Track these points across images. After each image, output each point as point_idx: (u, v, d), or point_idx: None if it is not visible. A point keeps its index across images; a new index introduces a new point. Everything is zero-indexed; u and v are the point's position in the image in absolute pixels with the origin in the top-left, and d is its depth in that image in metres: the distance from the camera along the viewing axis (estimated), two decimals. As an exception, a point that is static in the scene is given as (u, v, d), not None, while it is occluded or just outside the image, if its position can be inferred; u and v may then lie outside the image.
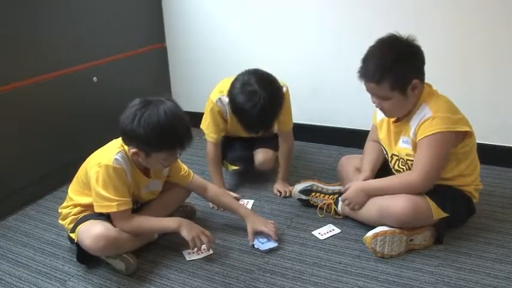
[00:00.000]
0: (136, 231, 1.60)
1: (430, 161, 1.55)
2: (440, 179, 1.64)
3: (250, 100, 1.75)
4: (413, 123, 1.60)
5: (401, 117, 1.67)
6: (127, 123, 1.48)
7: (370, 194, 1.69)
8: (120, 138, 1.62)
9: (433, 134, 1.53)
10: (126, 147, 1.58)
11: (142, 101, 1.51)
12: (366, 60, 1.59)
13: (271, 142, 2.16)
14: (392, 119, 1.71)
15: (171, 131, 1.49)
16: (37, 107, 2.09)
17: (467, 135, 1.59)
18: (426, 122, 1.55)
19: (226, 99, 1.97)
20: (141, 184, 1.65)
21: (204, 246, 1.67)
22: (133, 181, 1.61)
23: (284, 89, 2.01)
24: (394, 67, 1.52)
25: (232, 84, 1.84)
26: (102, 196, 1.52)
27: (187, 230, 1.59)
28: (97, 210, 1.55)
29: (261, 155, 2.15)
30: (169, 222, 1.62)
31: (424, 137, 1.54)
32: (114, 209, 1.52)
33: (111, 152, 1.55)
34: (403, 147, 1.67)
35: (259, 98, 1.74)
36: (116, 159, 1.52)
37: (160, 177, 1.74)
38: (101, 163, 1.52)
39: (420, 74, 1.58)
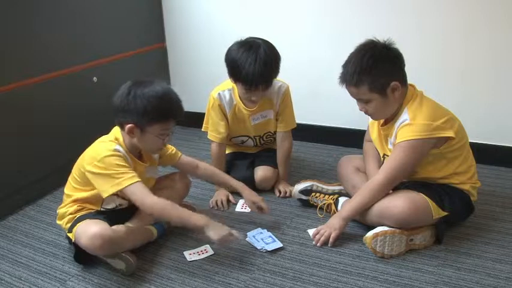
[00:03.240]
0: (163, 213, 1.56)
1: (397, 164, 1.59)
2: (435, 178, 1.66)
3: (250, 49, 1.80)
4: (396, 127, 1.63)
5: (388, 120, 1.69)
6: (122, 99, 1.54)
7: (345, 217, 1.68)
8: (108, 135, 1.63)
9: (407, 140, 1.55)
10: (120, 140, 1.60)
11: (134, 81, 1.57)
12: (345, 65, 1.63)
13: (272, 159, 2.14)
14: (381, 122, 1.73)
15: (166, 100, 1.55)
16: (37, 107, 2.09)
17: (450, 137, 1.59)
18: (404, 127, 1.58)
19: (226, 94, 2.00)
20: (140, 172, 1.65)
21: (204, 248, 1.69)
22: (134, 170, 1.61)
23: (285, 87, 2.02)
24: (371, 69, 1.56)
25: (230, 47, 1.88)
26: (110, 175, 1.51)
27: (214, 231, 1.55)
28: (110, 191, 1.52)
29: (260, 172, 2.09)
30: (197, 218, 1.57)
31: (400, 141, 1.57)
32: (128, 182, 1.50)
33: (107, 145, 1.57)
34: (391, 148, 1.69)
35: (258, 46, 1.80)
36: (115, 149, 1.55)
37: (154, 163, 1.75)
38: (98, 158, 1.52)
39: (399, 77, 1.60)
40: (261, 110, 2.03)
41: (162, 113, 1.55)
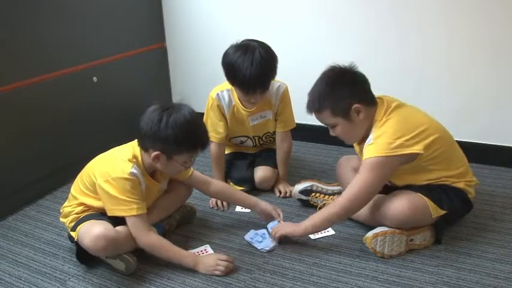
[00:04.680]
0: (152, 250, 1.58)
1: (358, 185, 1.56)
2: (426, 180, 1.64)
3: (246, 53, 1.78)
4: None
5: (362, 139, 1.68)
6: (153, 126, 1.51)
7: (303, 229, 1.65)
8: (127, 150, 1.61)
9: (370, 158, 1.55)
10: (139, 158, 1.58)
11: (162, 106, 1.55)
12: (308, 94, 1.67)
13: (272, 159, 2.14)
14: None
15: (197, 131, 1.57)
16: (37, 107, 2.09)
17: (417, 153, 1.56)
18: (367, 147, 1.58)
19: (225, 94, 1.99)
20: (153, 190, 1.66)
21: (204, 248, 1.69)
22: (147, 189, 1.61)
23: (283, 87, 2.02)
24: (329, 95, 1.60)
25: (226, 50, 1.87)
26: (119, 200, 1.51)
27: (204, 268, 1.56)
28: (114, 214, 1.54)
29: (260, 172, 2.10)
30: (187, 260, 1.58)
31: (364, 160, 1.57)
32: (134, 212, 1.52)
33: (124, 166, 1.54)
34: None
35: (253, 49, 1.78)
36: (131, 172, 1.53)
37: (166, 178, 1.74)
38: (113, 176, 1.51)
39: (360, 98, 1.60)
40: (259, 111, 2.03)
41: (192, 144, 1.56)
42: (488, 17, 2.08)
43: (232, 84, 1.91)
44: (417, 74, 2.28)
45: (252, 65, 1.77)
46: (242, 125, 2.06)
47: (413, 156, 1.57)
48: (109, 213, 1.55)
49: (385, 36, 2.28)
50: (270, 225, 1.75)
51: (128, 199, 1.52)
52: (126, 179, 1.52)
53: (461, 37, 2.16)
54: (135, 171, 1.54)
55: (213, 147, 2.06)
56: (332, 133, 1.69)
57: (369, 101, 1.63)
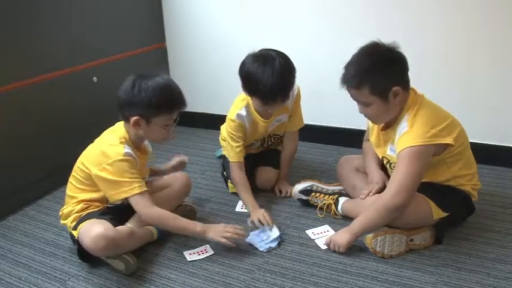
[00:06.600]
0: (160, 223, 1.63)
1: (401, 177, 1.53)
2: (445, 177, 1.64)
3: (266, 63, 1.75)
4: (397, 134, 1.60)
5: (388, 125, 1.67)
6: (127, 93, 1.57)
7: (354, 234, 1.62)
8: (114, 134, 1.63)
9: (407, 148, 1.52)
10: (127, 137, 1.61)
11: (137, 75, 1.60)
12: (347, 66, 1.60)
13: (274, 160, 2.12)
14: (380, 127, 1.71)
15: (170, 92, 1.60)
16: (37, 107, 2.09)
17: (449, 144, 1.56)
18: (403, 136, 1.55)
19: (243, 112, 1.94)
20: (143, 164, 1.71)
21: (204, 248, 1.69)
22: (140, 166, 1.65)
23: (297, 88, 1.99)
24: (373, 72, 1.53)
25: (243, 60, 1.84)
26: (119, 183, 1.54)
27: (213, 233, 1.61)
28: (117, 198, 1.56)
29: (262, 173, 2.09)
30: (195, 227, 1.62)
31: (399, 151, 1.54)
32: (136, 191, 1.55)
33: (117, 149, 1.56)
34: (392, 154, 1.67)
35: (273, 59, 1.76)
36: (126, 152, 1.56)
37: (149, 154, 1.78)
38: (109, 162, 1.53)
39: (401, 81, 1.56)
40: (276, 116, 2.00)
41: (167, 105, 1.59)
42: (488, 17, 2.08)
43: (251, 95, 1.85)
44: (417, 74, 2.27)
45: (273, 75, 1.73)
46: (260, 133, 2.03)
47: (443, 148, 1.56)
48: (111, 199, 1.58)
49: (385, 37, 2.26)
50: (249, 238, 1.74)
51: (128, 179, 1.54)
52: (122, 160, 1.54)
53: (461, 37, 2.16)
54: (128, 150, 1.57)
55: (234, 169, 1.96)
56: (362, 111, 1.64)
57: (406, 85, 1.59)
